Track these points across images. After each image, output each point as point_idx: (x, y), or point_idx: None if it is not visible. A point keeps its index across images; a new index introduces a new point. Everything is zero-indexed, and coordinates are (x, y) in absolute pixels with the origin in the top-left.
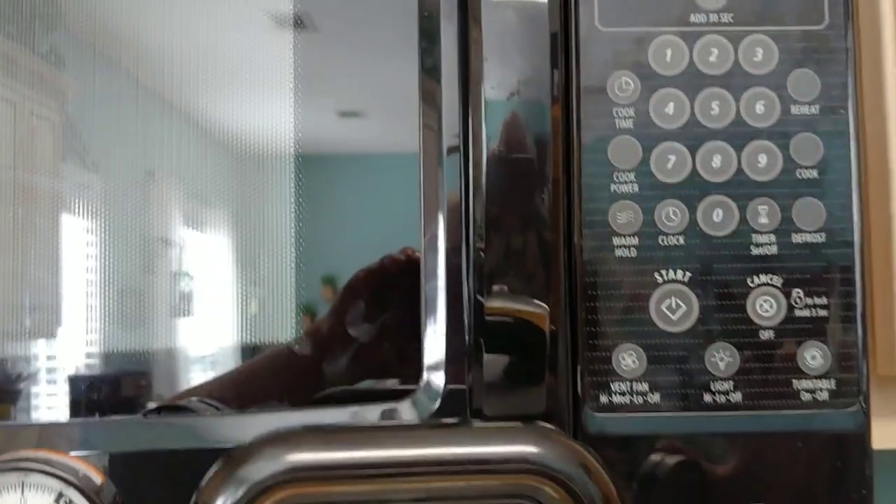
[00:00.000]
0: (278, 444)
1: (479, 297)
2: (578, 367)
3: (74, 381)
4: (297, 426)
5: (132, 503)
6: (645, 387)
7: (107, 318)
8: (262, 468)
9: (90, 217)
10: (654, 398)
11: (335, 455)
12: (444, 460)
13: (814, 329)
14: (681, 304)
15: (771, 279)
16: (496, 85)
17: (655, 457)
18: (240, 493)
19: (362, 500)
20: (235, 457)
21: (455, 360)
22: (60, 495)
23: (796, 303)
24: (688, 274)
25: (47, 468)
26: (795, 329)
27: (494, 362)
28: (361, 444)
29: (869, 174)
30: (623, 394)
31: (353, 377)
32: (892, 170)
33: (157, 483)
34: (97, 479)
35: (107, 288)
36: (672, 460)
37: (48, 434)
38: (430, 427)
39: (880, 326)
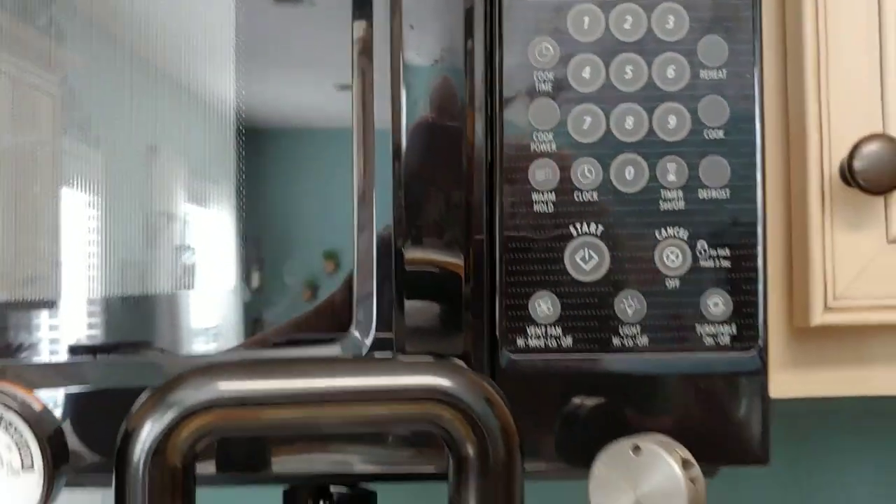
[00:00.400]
0: (206, 373)
1: (400, 249)
2: (497, 313)
3: (75, 351)
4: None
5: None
6: (558, 331)
7: (108, 290)
8: (189, 395)
9: (91, 191)
10: (567, 341)
11: (257, 383)
12: (357, 389)
13: (716, 279)
14: (593, 255)
15: (677, 232)
16: (420, 52)
17: (567, 395)
18: (167, 417)
19: (282, 424)
20: (165, 385)
21: (382, 308)
22: (1, 418)
23: (700, 254)
24: (600, 227)
25: None
26: (699, 278)
27: (415, 308)
28: (282, 374)
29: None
30: (538, 337)
31: (289, 323)
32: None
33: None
34: (36, 406)
35: (108, 260)
36: (582, 398)
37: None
38: (347, 361)
39: (797, 281)
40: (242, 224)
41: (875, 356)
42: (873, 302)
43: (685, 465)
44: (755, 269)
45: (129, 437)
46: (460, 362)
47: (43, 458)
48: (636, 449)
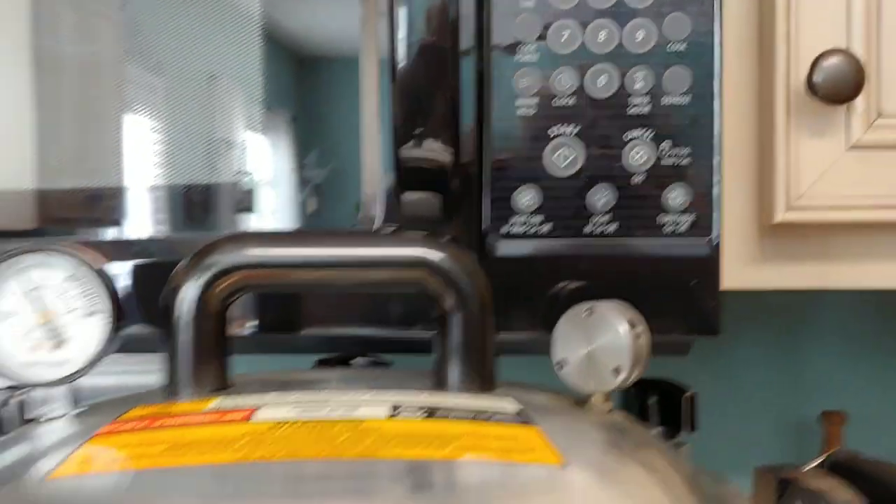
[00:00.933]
0: (237, 240)
1: (398, 151)
2: (484, 204)
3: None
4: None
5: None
6: (538, 220)
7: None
8: (223, 258)
9: (154, 117)
10: (546, 228)
11: (277, 250)
12: (358, 256)
13: (677, 175)
14: (570, 153)
15: (643, 133)
16: None
17: (545, 274)
18: (205, 275)
19: (297, 283)
20: (204, 250)
21: (386, 203)
22: (73, 273)
23: (663, 153)
24: (576, 129)
25: (61, 248)
26: (662, 174)
27: (412, 201)
28: (298, 242)
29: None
30: (521, 225)
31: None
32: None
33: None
34: (104, 266)
35: (170, 182)
36: (558, 277)
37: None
38: (352, 233)
39: (765, 183)
40: (294, 148)
41: (836, 254)
42: (832, 202)
43: (631, 324)
44: (711, 167)
45: (175, 293)
46: (445, 239)
47: (110, 304)
48: (589, 311)
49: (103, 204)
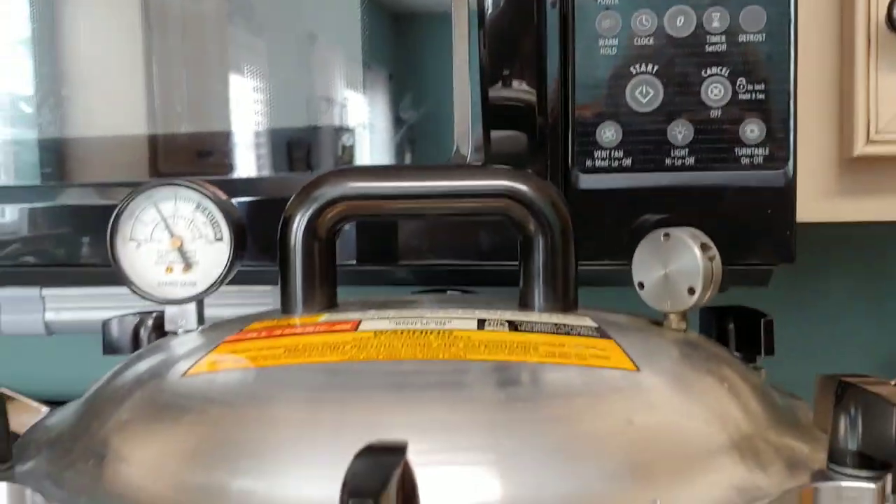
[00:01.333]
0: (341, 175)
1: (487, 88)
2: (570, 140)
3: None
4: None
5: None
6: (620, 154)
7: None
8: (330, 190)
9: (256, 76)
10: (627, 162)
11: (376, 182)
12: (450, 187)
13: (753, 109)
14: (650, 90)
15: (720, 70)
16: None
17: (627, 206)
18: (314, 206)
19: (394, 213)
20: (311, 183)
21: (476, 140)
22: (199, 204)
23: (740, 89)
24: (656, 67)
25: (190, 183)
26: (738, 109)
27: (500, 138)
28: (395, 176)
29: None
30: (603, 160)
31: (402, 148)
32: None
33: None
34: (224, 196)
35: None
36: (638, 208)
37: None
38: (445, 167)
39: (845, 117)
40: (392, 104)
41: None
42: None
43: (704, 248)
44: (786, 102)
45: (287, 223)
46: (529, 171)
47: (230, 232)
48: (666, 236)
49: (210, 150)
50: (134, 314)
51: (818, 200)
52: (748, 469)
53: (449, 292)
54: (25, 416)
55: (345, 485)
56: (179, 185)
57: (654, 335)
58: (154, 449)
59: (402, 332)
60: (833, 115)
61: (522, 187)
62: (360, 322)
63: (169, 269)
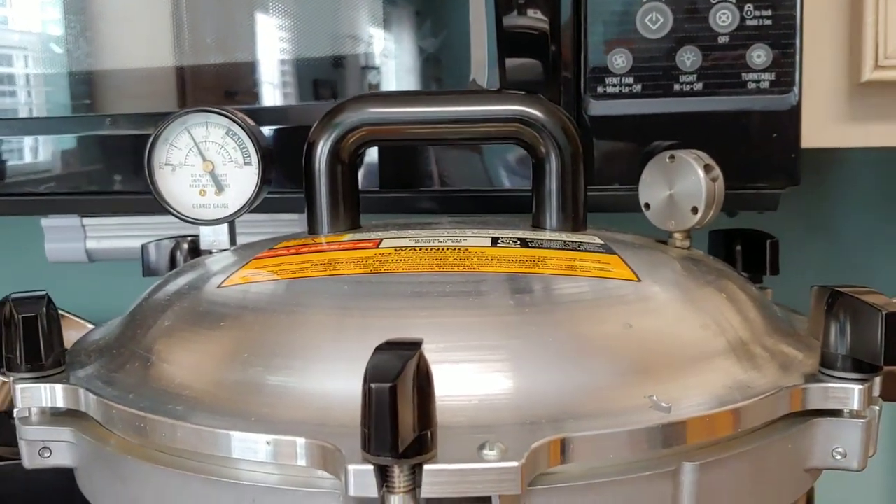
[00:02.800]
0: (362, 101)
1: (501, 16)
2: (581, 67)
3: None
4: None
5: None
6: (631, 80)
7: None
8: (352, 115)
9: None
10: (637, 88)
11: (395, 108)
12: (465, 112)
13: (760, 35)
14: (659, 17)
15: None
16: None
17: (637, 131)
18: (336, 130)
19: (412, 138)
20: (334, 109)
21: (491, 66)
22: (229, 129)
23: (747, 14)
24: None
25: (220, 110)
26: (745, 35)
27: (515, 65)
28: (413, 102)
29: None
30: (615, 86)
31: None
32: None
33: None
34: (252, 123)
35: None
36: (649, 133)
37: None
38: (461, 92)
39: (854, 43)
40: (412, 34)
41: None
42: None
43: (707, 169)
44: (793, 27)
45: (312, 147)
46: (541, 96)
47: (258, 156)
48: (671, 157)
49: (236, 79)
50: (169, 238)
51: (825, 126)
52: (743, 370)
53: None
54: (73, 332)
55: (366, 373)
56: (210, 111)
57: (657, 251)
58: (194, 351)
59: (420, 249)
60: (843, 41)
61: (534, 111)
62: (381, 240)
63: (202, 192)
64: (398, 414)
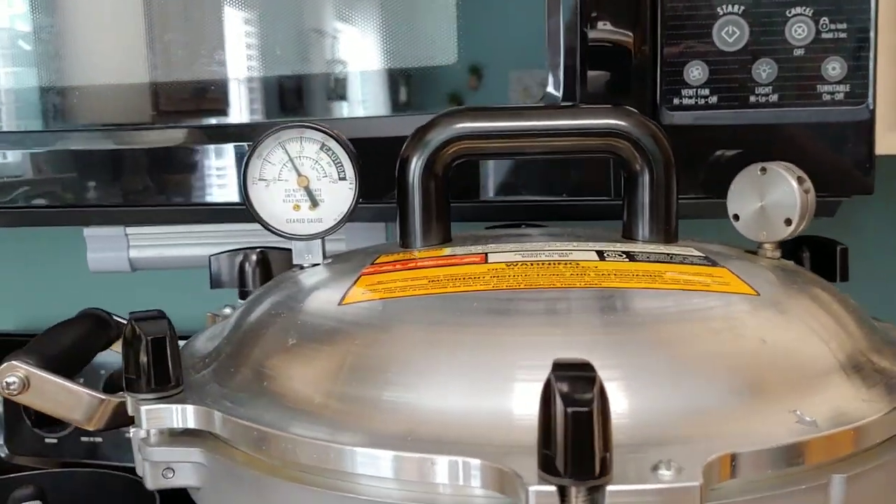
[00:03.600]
0: (456, 115)
1: (583, 30)
2: (658, 79)
3: None
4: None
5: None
6: (707, 92)
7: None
8: (446, 130)
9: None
10: (713, 100)
11: (488, 123)
12: (559, 126)
13: (835, 48)
14: (736, 30)
15: (804, 10)
16: None
17: (713, 143)
18: (431, 145)
19: (505, 152)
20: (428, 124)
21: (568, 76)
22: (323, 144)
23: (823, 28)
24: (741, 7)
25: (315, 125)
26: (821, 48)
27: (594, 77)
28: (507, 117)
29: None
30: (690, 97)
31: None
32: None
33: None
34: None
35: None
36: (725, 145)
37: None
38: (550, 107)
39: None
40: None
41: None
42: None
43: (800, 181)
44: (867, 40)
45: (406, 162)
46: (632, 108)
47: (353, 170)
48: (763, 170)
49: (206, 94)
50: (237, 251)
51: (887, 134)
52: (863, 382)
53: (524, 226)
54: None
55: (560, 396)
56: (305, 126)
57: (753, 263)
58: (325, 369)
59: (532, 264)
60: None
61: (628, 124)
62: (486, 255)
63: (296, 207)
64: (594, 437)
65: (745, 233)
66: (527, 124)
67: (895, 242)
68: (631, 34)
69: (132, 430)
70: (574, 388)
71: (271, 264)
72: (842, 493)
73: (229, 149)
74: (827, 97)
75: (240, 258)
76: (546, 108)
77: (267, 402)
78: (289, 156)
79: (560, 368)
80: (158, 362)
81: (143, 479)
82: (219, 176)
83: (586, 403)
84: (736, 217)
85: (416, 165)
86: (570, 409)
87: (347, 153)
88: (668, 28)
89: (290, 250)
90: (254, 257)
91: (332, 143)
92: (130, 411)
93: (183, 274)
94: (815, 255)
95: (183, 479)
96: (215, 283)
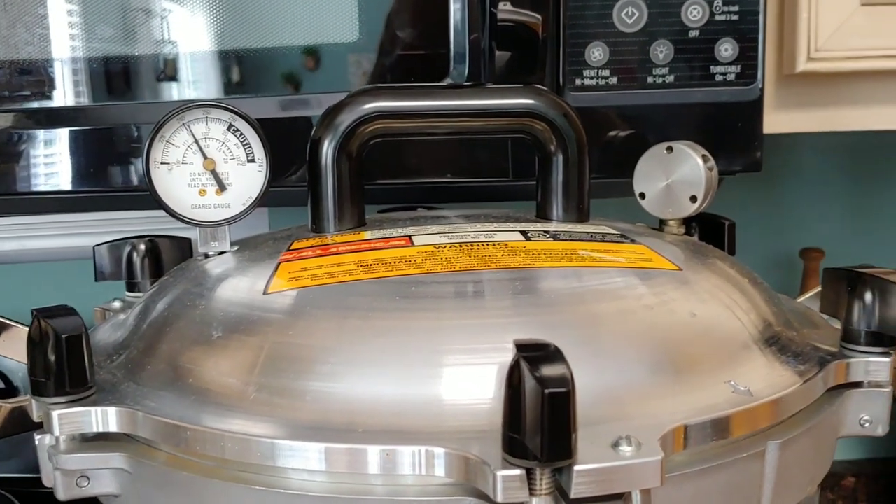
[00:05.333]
0: (371, 94)
1: (492, 10)
2: (562, 60)
3: None
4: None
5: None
6: (607, 73)
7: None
8: (360, 108)
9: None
10: (613, 81)
11: (403, 102)
12: (474, 106)
13: (728, 30)
14: (635, 11)
15: None
16: None
17: (614, 122)
18: (344, 124)
19: (422, 132)
20: (341, 103)
21: (474, 57)
22: (231, 125)
23: (716, 10)
24: None
25: (223, 104)
26: (715, 30)
27: (502, 57)
28: (424, 96)
29: None
30: (592, 78)
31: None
32: None
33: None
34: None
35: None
36: (625, 125)
37: None
38: (468, 87)
39: (788, 36)
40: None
41: (846, 100)
42: (846, 53)
43: (705, 159)
44: (757, 23)
45: (318, 143)
46: (543, 87)
47: (264, 151)
48: (669, 148)
49: (29, 76)
50: (123, 240)
51: (769, 114)
52: (782, 351)
53: (419, 209)
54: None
55: (536, 378)
56: (211, 105)
57: (663, 239)
58: (252, 361)
59: (462, 246)
60: (776, 36)
61: (544, 105)
62: (411, 238)
63: (202, 192)
64: (571, 418)
65: (651, 210)
66: (445, 103)
67: (759, 218)
68: (538, 15)
69: (38, 436)
70: (549, 369)
71: (162, 254)
72: (775, 458)
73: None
74: (720, 77)
75: (127, 248)
76: (463, 88)
77: (193, 400)
78: (194, 137)
79: (526, 350)
80: (73, 362)
81: (53, 490)
82: (47, 164)
83: (564, 384)
84: (642, 195)
85: (328, 147)
86: (547, 391)
87: (257, 133)
88: (571, 8)
89: (183, 238)
90: (142, 247)
91: (241, 123)
92: (36, 416)
93: (43, 267)
94: (703, 231)
95: (100, 487)
96: (101, 275)
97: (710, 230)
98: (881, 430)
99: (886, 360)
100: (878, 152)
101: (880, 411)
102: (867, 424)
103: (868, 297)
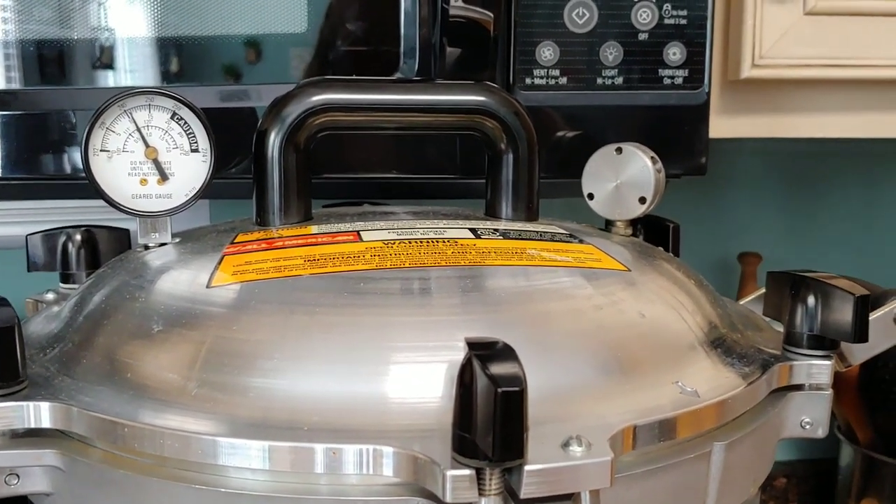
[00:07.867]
0: (318, 86)
1: (444, 5)
2: (512, 59)
3: None
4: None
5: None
6: (557, 73)
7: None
8: (309, 100)
9: None
10: (563, 81)
11: (352, 95)
12: (423, 103)
13: (676, 34)
14: (586, 12)
15: None
16: None
17: (563, 122)
18: (291, 116)
19: (371, 126)
20: (288, 95)
21: (424, 53)
22: (174, 113)
23: (665, 13)
24: None
25: (166, 91)
26: (663, 32)
27: (453, 53)
28: (374, 90)
29: None
30: (542, 78)
31: (349, 56)
32: None
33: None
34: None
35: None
36: (574, 125)
37: None
38: (419, 82)
39: (733, 44)
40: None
41: (789, 107)
42: (790, 61)
43: (653, 161)
44: (704, 27)
45: (265, 132)
46: (493, 84)
47: (208, 141)
48: (619, 150)
49: None
50: (57, 230)
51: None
52: (727, 352)
53: (365, 205)
54: None
55: (489, 377)
56: (154, 92)
57: (612, 240)
58: (193, 356)
59: (411, 242)
60: (721, 43)
61: (495, 103)
62: (359, 233)
63: (143, 181)
64: (524, 417)
65: (599, 211)
66: (396, 98)
67: (698, 221)
68: (490, 13)
69: None
70: (502, 367)
71: (99, 245)
72: (721, 459)
73: None
74: (668, 81)
75: (62, 238)
76: (415, 83)
77: (131, 395)
78: (136, 125)
79: (478, 348)
80: (4, 355)
81: None
82: None
83: (517, 383)
84: (591, 196)
85: (275, 138)
86: (500, 390)
87: (201, 122)
88: (523, 7)
89: (121, 229)
90: (78, 237)
91: (185, 112)
92: None
93: None
94: (649, 232)
95: (31, 485)
96: (34, 265)
97: (655, 232)
98: (821, 431)
99: (828, 363)
100: (816, 159)
101: (821, 413)
102: (808, 426)
103: (811, 300)
